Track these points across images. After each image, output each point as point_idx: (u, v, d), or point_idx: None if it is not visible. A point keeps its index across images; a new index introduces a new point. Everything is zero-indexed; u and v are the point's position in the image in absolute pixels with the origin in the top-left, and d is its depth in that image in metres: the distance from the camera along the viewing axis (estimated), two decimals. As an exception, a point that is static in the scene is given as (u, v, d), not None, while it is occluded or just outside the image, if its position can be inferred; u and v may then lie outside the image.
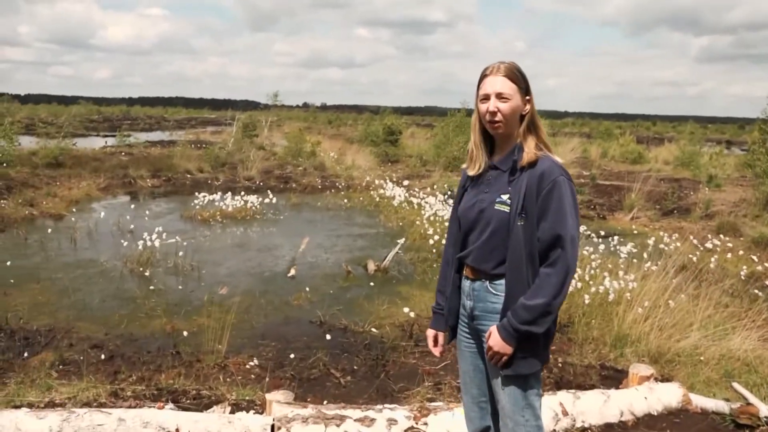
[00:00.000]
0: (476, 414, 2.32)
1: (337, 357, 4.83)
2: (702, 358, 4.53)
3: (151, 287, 6.48)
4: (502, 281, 2.10)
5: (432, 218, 9.85)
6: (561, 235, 1.98)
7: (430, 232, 8.49)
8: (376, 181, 14.56)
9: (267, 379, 4.19)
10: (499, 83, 2.08)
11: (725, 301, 5.66)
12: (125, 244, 7.73)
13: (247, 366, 4.44)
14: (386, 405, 3.22)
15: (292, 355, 4.67)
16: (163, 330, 5.35)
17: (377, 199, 12.86)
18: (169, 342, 5.02)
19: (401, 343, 5.10)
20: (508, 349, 2.04)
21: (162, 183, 14.60)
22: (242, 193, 11.93)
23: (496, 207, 2.10)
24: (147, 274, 6.93)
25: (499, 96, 2.08)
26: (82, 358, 4.50)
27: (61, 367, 4.38)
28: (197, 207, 10.92)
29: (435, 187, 14.24)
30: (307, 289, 6.53)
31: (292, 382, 4.33)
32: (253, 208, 11.23)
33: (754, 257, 7.52)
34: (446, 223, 9.42)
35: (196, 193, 11.59)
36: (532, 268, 2.03)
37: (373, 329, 5.35)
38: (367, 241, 9.42)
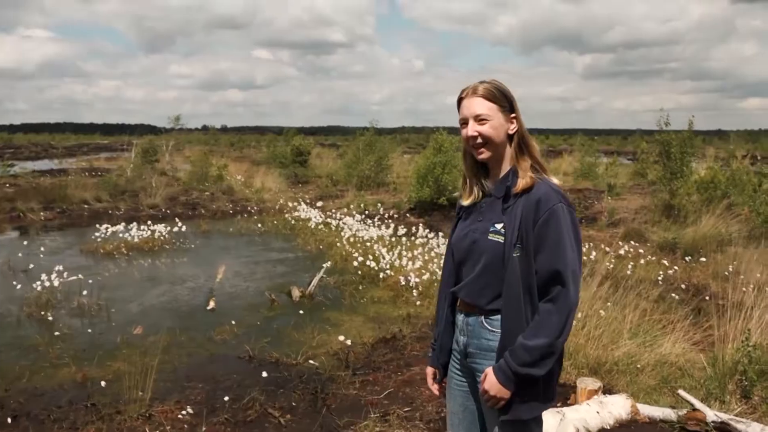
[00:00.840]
0: None
1: (272, 394, 4.52)
2: (639, 365, 4.61)
3: (56, 333, 5.85)
4: (498, 317, 1.94)
5: (352, 239, 9.69)
6: (560, 270, 1.82)
7: (356, 254, 8.31)
8: (290, 204, 14.25)
9: (204, 428, 3.83)
10: (476, 104, 1.95)
11: (645, 306, 5.83)
12: (19, 286, 6.98)
13: (179, 415, 4.04)
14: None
15: (226, 398, 4.31)
16: (74, 380, 4.82)
17: (292, 222, 12.54)
18: (82, 393, 4.50)
19: (339, 373, 4.87)
20: (505, 393, 1.88)
21: (56, 215, 13.52)
22: (148, 222, 11.24)
23: (489, 237, 1.94)
24: (49, 317, 6.27)
25: (477, 118, 1.95)
26: (-21, 421, 3.94)
27: (-46, 434, 3.82)
28: (99, 240, 10.15)
29: (351, 207, 14.10)
30: (233, 322, 6.15)
31: (227, 427, 4.00)
32: (161, 237, 10.60)
33: (666, 262, 7.90)
34: (367, 244, 9.32)
35: (97, 225, 10.78)
36: (530, 303, 1.88)
37: (311, 361, 5.08)
38: (287, 266, 9.10)
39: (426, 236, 9.51)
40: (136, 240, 10.25)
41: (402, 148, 33.33)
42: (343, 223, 11.22)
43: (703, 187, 11.24)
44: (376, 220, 12.07)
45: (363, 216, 12.81)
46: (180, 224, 10.95)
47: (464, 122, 1.99)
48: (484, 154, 1.98)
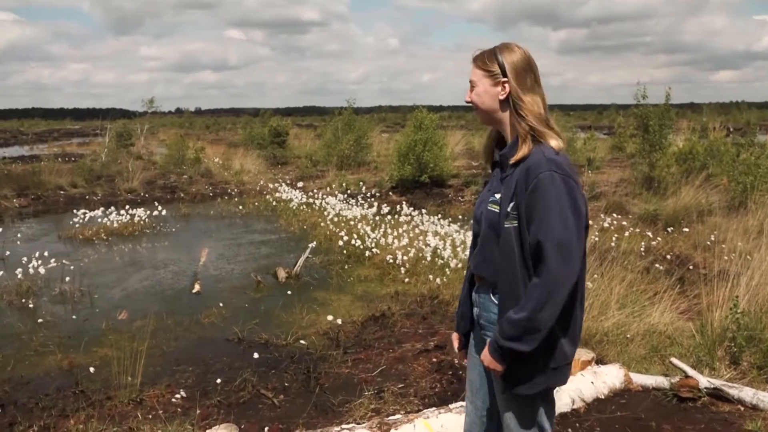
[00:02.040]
0: (478, 426, 2.14)
1: (264, 375, 4.48)
2: (628, 336, 4.65)
3: (39, 320, 5.73)
4: None
5: (336, 219, 9.63)
6: (542, 241, 1.75)
7: (342, 233, 8.25)
8: (270, 185, 14.11)
9: (198, 411, 3.78)
10: (472, 71, 1.98)
11: (632, 278, 5.88)
12: (1, 273, 6.80)
13: (174, 399, 3.98)
14: (343, 426, 2.96)
15: (218, 380, 4.26)
16: (60, 367, 4.73)
17: (274, 203, 12.42)
18: (70, 380, 4.42)
19: (330, 352, 4.84)
20: (497, 366, 1.85)
21: (30, 202, 13.21)
22: (126, 207, 11.05)
23: (489, 207, 1.92)
24: (30, 305, 6.14)
25: (471, 84, 1.98)
26: (-35, 412, 3.85)
27: (-61, 426, 3.72)
28: (77, 225, 9.95)
29: (333, 186, 14.00)
30: (221, 304, 6.08)
31: (221, 409, 3.95)
32: (141, 222, 10.42)
33: (649, 233, 7.98)
34: (351, 223, 9.26)
35: (75, 211, 10.56)
36: (528, 277, 1.82)
37: (301, 341, 5.04)
38: (270, 247, 9.02)
39: (410, 214, 9.48)
40: (115, 225, 10.08)
41: (380, 128, 33.15)
42: (326, 203, 11.14)
43: (681, 158, 11.35)
44: (359, 199, 12.00)
45: (345, 195, 12.74)
46: (159, 208, 10.78)
47: None
48: (479, 118, 2.01)
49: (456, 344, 2.28)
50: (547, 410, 1.96)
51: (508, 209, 1.84)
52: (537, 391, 1.90)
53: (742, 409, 3.49)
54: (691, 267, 6.75)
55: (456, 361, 4.52)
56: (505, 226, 1.84)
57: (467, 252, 6.91)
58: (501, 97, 1.92)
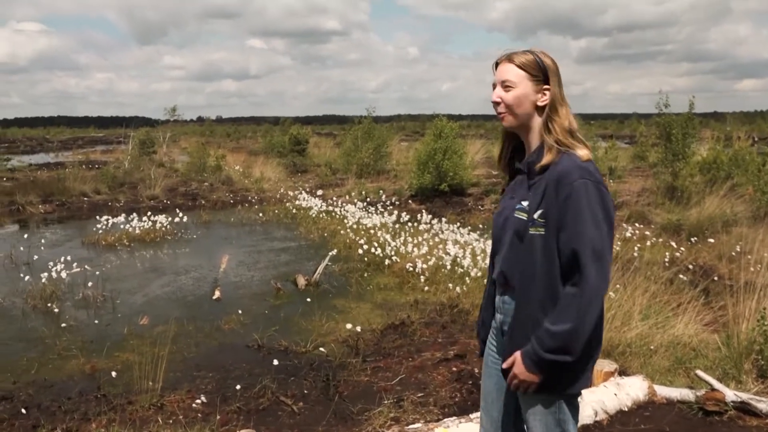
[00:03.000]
0: None
1: (283, 382, 4.48)
2: (652, 347, 4.58)
3: (63, 324, 5.81)
4: None
5: (356, 227, 9.64)
6: (578, 250, 1.73)
7: (361, 242, 8.25)
8: (290, 193, 14.17)
9: (218, 417, 3.79)
10: (506, 70, 1.90)
11: (655, 289, 5.80)
12: (27, 278, 6.90)
13: (194, 404, 4.00)
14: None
15: (238, 386, 4.27)
16: (82, 371, 4.78)
17: (293, 210, 12.48)
18: (92, 384, 4.47)
19: (349, 360, 4.83)
20: (533, 378, 1.82)
21: (55, 208, 13.43)
22: (148, 213, 11.17)
23: (515, 215, 1.89)
24: (55, 310, 6.22)
25: (504, 84, 1.90)
26: (-11, 414, 3.90)
27: (-36, 428, 3.77)
28: (100, 231, 10.07)
29: (352, 194, 14.03)
30: (240, 311, 6.10)
31: (240, 415, 3.96)
32: (163, 228, 10.53)
33: (672, 243, 7.87)
34: (371, 231, 9.26)
35: (97, 217, 10.70)
36: (550, 285, 1.80)
37: (320, 349, 5.03)
38: (290, 254, 9.05)
39: (430, 222, 9.46)
40: (137, 231, 10.19)
41: (399, 136, 33.22)
42: (345, 211, 11.16)
43: (705, 167, 11.19)
44: (378, 207, 12.02)
45: (365, 203, 12.76)
46: (181, 215, 10.88)
47: (493, 87, 1.94)
48: (506, 121, 1.93)
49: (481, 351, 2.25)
50: (574, 415, 1.94)
51: (535, 216, 1.82)
52: (569, 393, 1.90)
53: (771, 423, 3.41)
54: (716, 278, 6.64)
55: (477, 371, 4.49)
56: (530, 232, 1.83)
57: (488, 261, 6.89)
58: (540, 104, 1.89)
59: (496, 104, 1.92)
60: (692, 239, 8.39)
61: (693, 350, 4.58)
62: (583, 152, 1.85)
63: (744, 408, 3.50)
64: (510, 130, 1.98)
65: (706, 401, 3.55)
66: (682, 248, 7.86)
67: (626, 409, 3.60)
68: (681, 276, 6.45)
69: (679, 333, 4.77)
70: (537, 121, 1.91)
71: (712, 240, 8.09)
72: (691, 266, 7.15)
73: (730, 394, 3.52)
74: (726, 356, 4.22)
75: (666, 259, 7.13)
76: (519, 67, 1.89)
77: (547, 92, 1.89)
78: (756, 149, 13.50)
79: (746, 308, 4.52)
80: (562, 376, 1.85)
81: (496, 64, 1.95)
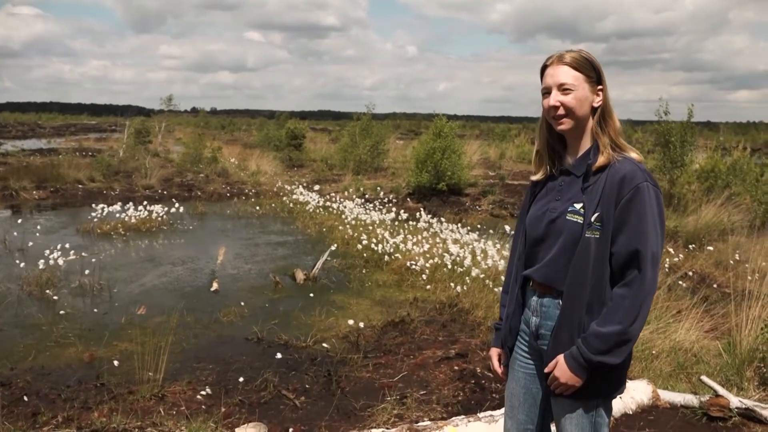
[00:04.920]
0: None
1: (284, 376, 4.46)
2: (654, 352, 4.59)
3: (61, 311, 5.75)
4: None
5: (354, 223, 9.62)
6: (640, 251, 1.72)
7: (361, 238, 8.23)
8: (287, 187, 14.13)
9: (222, 409, 3.76)
10: (561, 73, 1.84)
11: (656, 295, 5.81)
12: (22, 264, 6.83)
13: (198, 396, 3.97)
14: (373, 430, 2.92)
15: (241, 379, 4.24)
16: (80, 359, 4.73)
17: (290, 205, 12.43)
18: (90, 373, 4.43)
19: (350, 356, 4.81)
20: (576, 381, 1.80)
21: (49, 195, 13.32)
22: (144, 202, 11.09)
23: (568, 217, 1.84)
24: (54, 297, 6.15)
25: (561, 87, 1.84)
26: (-12, 400, 3.85)
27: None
28: (95, 219, 9.98)
29: (350, 191, 14.00)
30: (242, 303, 6.06)
31: (243, 408, 3.93)
32: (159, 218, 10.45)
33: (670, 249, 7.89)
34: (370, 228, 9.24)
35: (93, 205, 10.60)
36: (598, 287, 1.78)
37: (323, 344, 5.01)
38: (287, 249, 9.01)
39: (429, 221, 9.45)
40: (133, 220, 10.11)
41: (395, 134, 33.20)
42: (343, 207, 11.13)
43: (703, 176, 11.25)
44: (376, 204, 11.99)
45: (362, 200, 12.73)
46: (177, 205, 10.81)
47: (547, 91, 1.88)
48: (565, 125, 1.87)
49: (496, 360, 2.17)
50: (609, 417, 1.92)
51: (592, 219, 1.79)
52: (608, 396, 1.91)
53: (775, 431, 3.42)
54: (715, 286, 6.67)
55: (479, 371, 4.48)
56: (586, 235, 1.79)
57: (488, 261, 6.87)
58: (595, 105, 1.87)
59: (554, 108, 1.86)
60: (690, 246, 8.43)
61: (694, 356, 4.60)
62: (635, 155, 1.84)
63: (748, 415, 3.51)
64: (566, 134, 1.92)
65: (710, 407, 3.56)
66: (680, 255, 7.89)
67: (631, 413, 3.60)
68: (681, 283, 6.48)
69: (681, 339, 4.78)
70: (590, 123, 1.88)
71: (711, 248, 8.12)
72: (690, 273, 7.17)
73: (735, 401, 3.52)
74: (728, 363, 4.23)
75: (666, 266, 7.15)
76: (575, 68, 1.85)
77: (600, 92, 1.87)
78: (755, 159, 13.52)
79: (748, 316, 4.53)
80: (608, 379, 1.83)
81: (544, 67, 1.90)
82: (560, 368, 1.82)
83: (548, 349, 1.91)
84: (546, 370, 1.89)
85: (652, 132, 11.84)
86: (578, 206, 1.83)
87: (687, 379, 4.30)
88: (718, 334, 5.10)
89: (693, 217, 9.75)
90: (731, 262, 7.36)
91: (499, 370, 2.17)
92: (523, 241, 2.03)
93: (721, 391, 3.61)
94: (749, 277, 6.43)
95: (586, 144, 1.90)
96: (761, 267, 6.80)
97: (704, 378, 3.76)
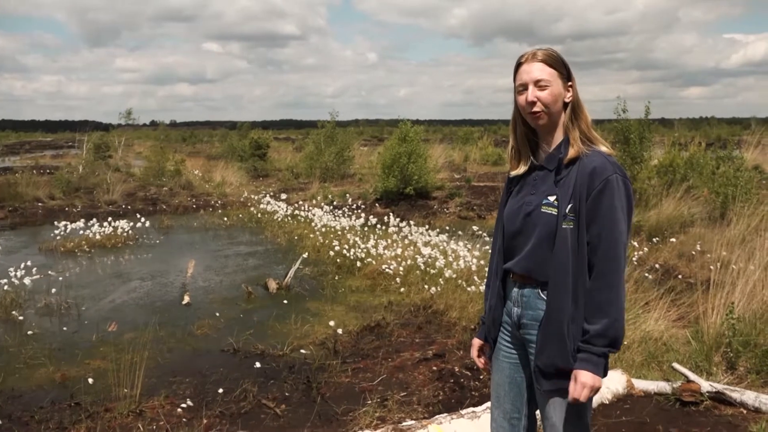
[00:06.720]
0: (507, 431, 2.13)
1: (263, 386, 4.44)
2: (625, 342, 4.70)
3: (29, 332, 5.61)
4: None
5: (324, 230, 9.61)
6: (609, 242, 1.80)
7: (335, 244, 8.23)
8: (253, 197, 14.03)
9: (204, 421, 3.72)
10: (536, 70, 1.91)
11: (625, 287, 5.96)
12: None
13: (179, 409, 3.91)
14: (359, 432, 2.94)
15: (220, 390, 4.20)
16: (52, 380, 4.62)
17: (258, 215, 12.35)
18: (63, 393, 4.33)
19: (328, 362, 4.81)
20: (600, 381, 1.84)
21: (7, 214, 12.92)
22: (108, 219, 10.87)
23: (542, 210, 1.90)
24: (20, 318, 5.98)
25: (538, 83, 1.90)
26: (-43, 426, 3.73)
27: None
28: (58, 237, 9.75)
29: (318, 198, 13.97)
30: (217, 314, 6.00)
31: (223, 419, 3.90)
32: (124, 234, 10.26)
33: (635, 243, 8.10)
34: (340, 234, 9.24)
35: (55, 223, 10.34)
36: (580, 276, 1.84)
37: (301, 350, 4.99)
38: (258, 259, 8.95)
39: (398, 225, 9.49)
40: (97, 237, 9.90)
41: (359, 141, 33.23)
42: (312, 214, 11.11)
43: (662, 171, 11.55)
44: (344, 210, 11.99)
45: (331, 207, 12.72)
46: (142, 220, 10.64)
47: (523, 88, 1.93)
48: (542, 120, 1.93)
49: (475, 350, 2.23)
50: (591, 403, 1.98)
51: (566, 211, 1.86)
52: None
53: (745, 412, 3.54)
54: (679, 276, 6.86)
55: (457, 370, 4.53)
56: (563, 227, 1.86)
57: (460, 262, 6.95)
58: (567, 100, 1.94)
59: (531, 104, 1.91)
60: (654, 240, 8.65)
61: (664, 345, 4.72)
62: (605, 148, 1.92)
63: (719, 398, 3.63)
64: (540, 129, 1.98)
65: (682, 392, 3.67)
66: (645, 248, 8.09)
67: (607, 402, 3.69)
68: (647, 275, 6.65)
69: (650, 329, 4.91)
70: (562, 117, 1.95)
71: (674, 240, 8.35)
72: (657, 265, 7.37)
73: (706, 385, 3.64)
74: (696, 350, 4.37)
75: (635, 259, 7.33)
76: (548, 65, 1.91)
77: (570, 88, 1.94)
78: (711, 152, 13.89)
79: (713, 304, 4.69)
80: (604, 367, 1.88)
81: (518, 65, 1.96)
82: (582, 379, 1.83)
83: (537, 340, 1.94)
84: (571, 396, 1.86)
85: (611, 130, 12.09)
86: (552, 199, 1.90)
87: (659, 367, 4.42)
88: (686, 322, 5.25)
89: (655, 211, 10.00)
90: (693, 253, 7.58)
91: (479, 361, 2.23)
92: (501, 236, 2.09)
93: (692, 376, 3.73)
94: (712, 267, 6.64)
95: (558, 138, 1.96)
96: (723, 257, 7.03)
97: (675, 365, 3.87)
